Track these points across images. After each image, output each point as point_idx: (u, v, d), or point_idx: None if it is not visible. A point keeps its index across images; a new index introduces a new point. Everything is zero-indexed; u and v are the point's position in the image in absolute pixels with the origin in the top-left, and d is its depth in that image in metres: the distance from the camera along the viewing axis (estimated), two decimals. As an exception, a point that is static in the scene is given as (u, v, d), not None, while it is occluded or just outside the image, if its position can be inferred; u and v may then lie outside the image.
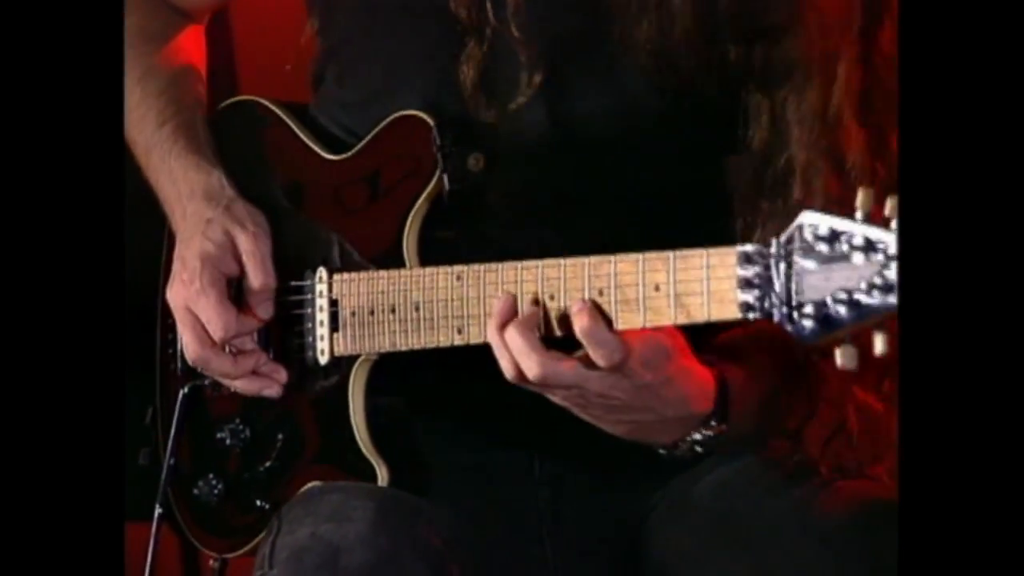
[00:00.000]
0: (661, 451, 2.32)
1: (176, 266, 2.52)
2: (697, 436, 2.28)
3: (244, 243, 2.48)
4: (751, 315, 2.01)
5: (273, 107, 2.62)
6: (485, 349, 2.25)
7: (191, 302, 2.47)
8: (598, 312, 2.14)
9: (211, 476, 2.59)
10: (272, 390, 2.50)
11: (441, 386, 2.46)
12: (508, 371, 2.19)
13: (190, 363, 2.52)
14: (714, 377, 2.25)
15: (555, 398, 2.21)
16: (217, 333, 2.46)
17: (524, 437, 2.48)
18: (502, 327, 2.19)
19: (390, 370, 2.44)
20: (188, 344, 2.49)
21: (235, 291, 2.51)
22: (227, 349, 2.49)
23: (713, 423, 2.27)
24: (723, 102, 2.35)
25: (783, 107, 2.31)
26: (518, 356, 2.16)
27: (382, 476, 2.41)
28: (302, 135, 2.57)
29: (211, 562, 2.64)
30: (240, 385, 2.51)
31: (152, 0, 2.75)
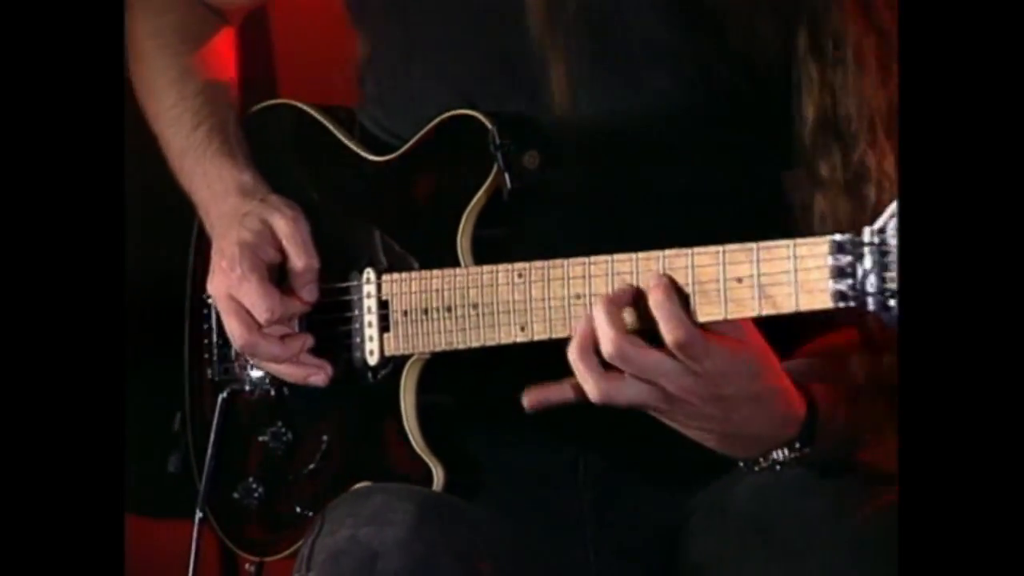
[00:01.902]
0: (740, 464, 2.29)
1: (215, 258, 2.51)
2: (779, 456, 2.26)
3: (282, 228, 2.47)
4: (843, 303, 2.00)
5: (309, 110, 2.61)
6: (532, 349, 2.25)
7: (233, 289, 2.46)
8: (675, 290, 2.12)
9: (251, 480, 2.57)
10: (319, 378, 2.48)
11: (485, 387, 2.43)
12: (593, 394, 2.15)
13: (238, 350, 2.50)
14: (804, 400, 2.23)
15: (638, 400, 2.17)
16: (263, 316, 2.44)
17: (569, 439, 2.47)
18: (584, 349, 2.14)
19: (438, 370, 2.43)
20: (234, 331, 2.46)
21: (277, 278, 2.48)
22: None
23: (797, 445, 2.25)
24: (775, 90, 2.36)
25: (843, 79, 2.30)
26: (599, 331, 2.12)
27: (438, 477, 2.39)
28: (341, 136, 2.56)
29: (247, 566, 2.62)
30: (287, 371, 2.49)
31: None
